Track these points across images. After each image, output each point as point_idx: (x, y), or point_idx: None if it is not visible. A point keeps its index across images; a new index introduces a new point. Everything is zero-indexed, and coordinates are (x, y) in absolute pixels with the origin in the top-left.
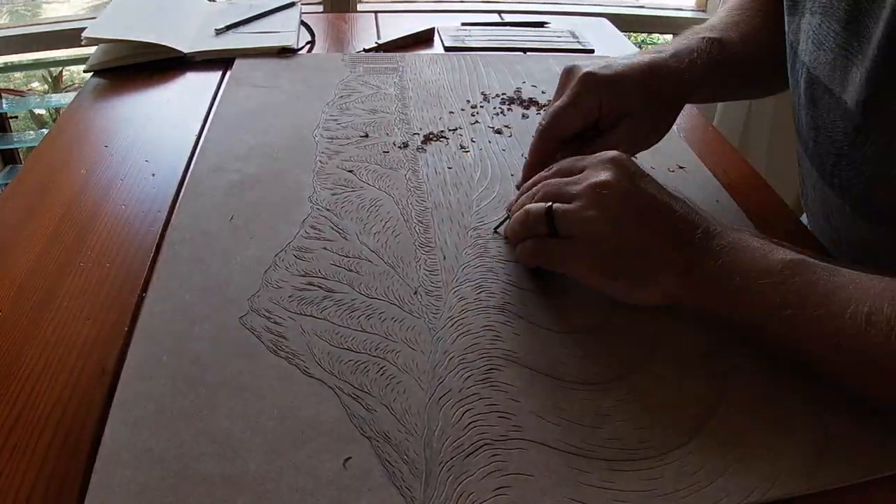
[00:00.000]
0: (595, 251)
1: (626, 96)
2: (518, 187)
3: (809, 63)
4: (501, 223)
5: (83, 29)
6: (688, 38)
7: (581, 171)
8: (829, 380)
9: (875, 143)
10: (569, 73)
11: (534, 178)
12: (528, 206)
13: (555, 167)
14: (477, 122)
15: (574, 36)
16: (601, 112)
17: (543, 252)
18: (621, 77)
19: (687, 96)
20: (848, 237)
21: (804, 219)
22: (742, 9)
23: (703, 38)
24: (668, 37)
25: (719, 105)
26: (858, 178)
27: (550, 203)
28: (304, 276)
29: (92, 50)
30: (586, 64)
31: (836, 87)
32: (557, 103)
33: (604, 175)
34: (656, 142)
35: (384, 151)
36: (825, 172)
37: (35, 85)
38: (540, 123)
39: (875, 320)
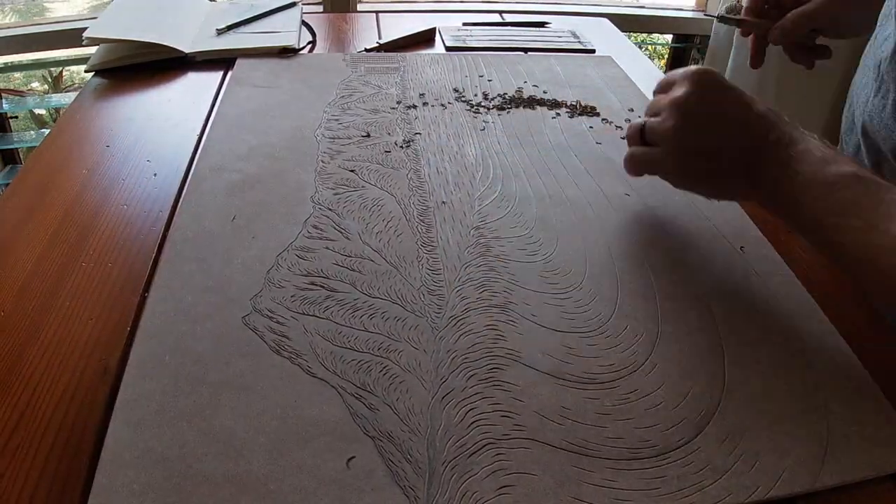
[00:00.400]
0: (676, 156)
1: None
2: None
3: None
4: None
5: (84, 29)
6: None
7: (670, 87)
8: (869, 294)
9: None
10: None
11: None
12: (632, 123)
13: (658, 85)
14: (477, 121)
15: (575, 36)
16: None
17: (640, 159)
18: None
19: None
20: None
21: None
22: None
23: None
24: (668, 37)
25: None
26: None
27: (645, 119)
28: (306, 275)
29: (93, 50)
30: None
31: None
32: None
33: (681, 90)
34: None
35: (386, 151)
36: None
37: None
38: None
39: None
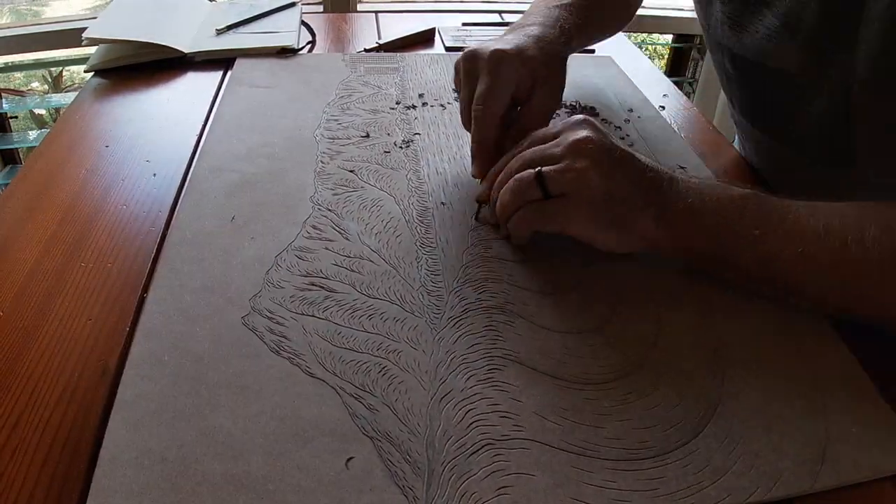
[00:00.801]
0: (589, 203)
1: (533, 65)
2: (475, 176)
3: (730, 45)
4: (477, 213)
5: (83, 29)
6: (546, 9)
7: (555, 136)
8: (798, 298)
9: (820, 98)
10: (472, 58)
11: (504, 158)
12: (518, 176)
13: (527, 140)
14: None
15: None
16: (518, 84)
17: (540, 215)
18: (522, 49)
19: (567, 54)
20: (794, 179)
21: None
22: None
23: (557, 5)
24: (669, 37)
25: (719, 105)
26: (806, 129)
27: (539, 168)
28: (305, 276)
29: (92, 50)
30: (483, 47)
31: (768, 60)
32: (482, 85)
33: (582, 132)
34: (560, 102)
35: (385, 151)
36: (769, 130)
37: (35, 85)
38: (474, 109)
39: (830, 230)
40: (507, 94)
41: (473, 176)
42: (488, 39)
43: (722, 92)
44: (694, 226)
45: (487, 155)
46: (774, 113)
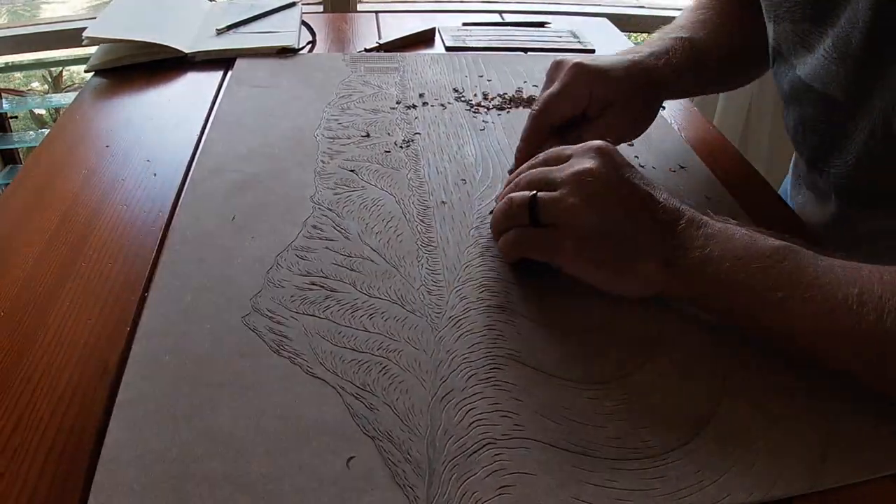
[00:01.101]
0: (577, 239)
1: (613, 87)
2: (510, 173)
3: (798, 65)
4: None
5: (83, 29)
6: (661, 39)
7: (567, 159)
8: (824, 365)
9: (862, 132)
10: (558, 65)
11: (520, 168)
12: (511, 196)
13: (541, 156)
14: (477, 121)
15: (575, 36)
16: (590, 101)
17: (526, 241)
18: (608, 69)
19: (665, 92)
20: (836, 221)
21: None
22: (705, 8)
23: (676, 37)
24: None
25: (719, 105)
26: (847, 166)
27: (535, 192)
28: (306, 275)
29: (92, 50)
30: (570, 57)
31: (817, 83)
32: (549, 90)
33: (588, 163)
34: (638, 134)
35: (386, 151)
36: (814, 161)
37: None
38: (532, 110)
39: (866, 300)
40: (569, 104)
41: (510, 173)
42: (487, 39)
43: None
44: (708, 279)
45: (525, 157)
46: (816, 142)
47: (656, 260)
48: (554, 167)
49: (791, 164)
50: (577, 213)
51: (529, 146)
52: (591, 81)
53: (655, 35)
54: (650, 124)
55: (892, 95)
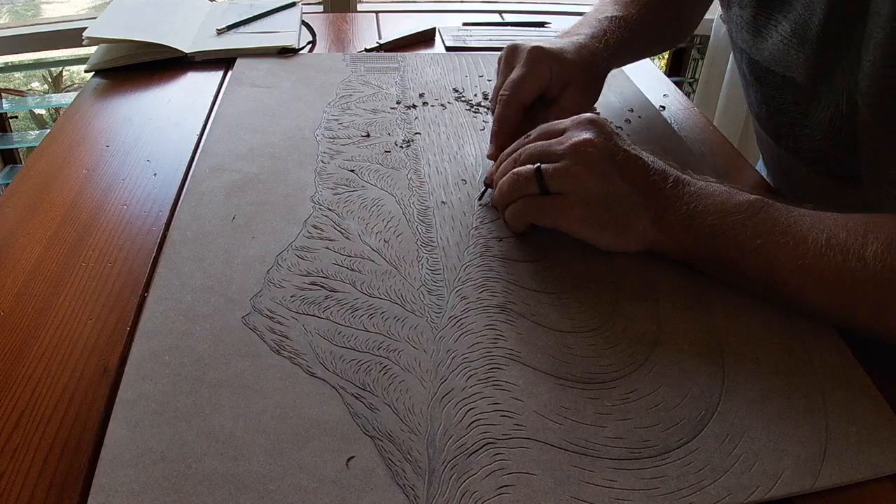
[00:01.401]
0: (584, 204)
1: (569, 68)
2: (490, 157)
3: (748, 49)
4: (482, 194)
5: (83, 29)
6: (597, 20)
7: (561, 133)
8: (800, 308)
9: (826, 111)
10: (515, 49)
11: (512, 146)
12: (517, 169)
13: (534, 133)
14: (477, 121)
15: None
16: (550, 82)
17: (536, 209)
18: (563, 52)
19: (607, 70)
20: (806, 190)
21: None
22: None
23: (609, 17)
24: None
25: (719, 105)
26: (814, 143)
27: (539, 164)
28: (306, 275)
29: (93, 50)
30: (526, 42)
31: (778, 67)
32: (515, 73)
33: (585, 134)
34: (591, 108)
35: (386, 151)
36: (779, 139)
37: (35, 85)
38: (501, 94)
39: (833, 244)
40: (536, 86)
41: (488, 157)
42: (487, 39)
43: (722, 90)
44: (694, 230)
45: (504, 139)
46: (783, 121)
47: (649, 217)
48: (551, 141)
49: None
50: (583, 180)
51: (506, 128)
52: (551, 63)
53: (591, 15)
54: (598, 98)
55: (854, 75)
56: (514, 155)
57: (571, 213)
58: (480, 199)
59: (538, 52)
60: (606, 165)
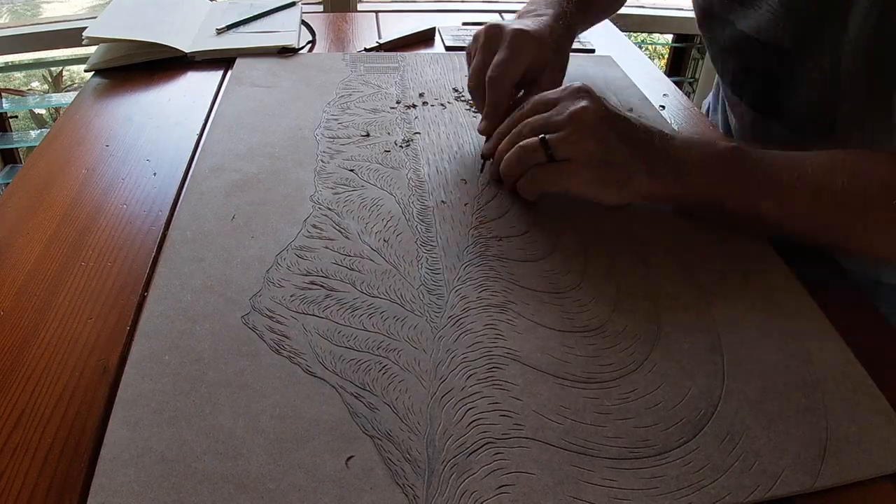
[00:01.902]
0: (589, 166)
1: (546, 49)
2: (483, 131)
3: (735, 19)
4: (483, 168)
5: (83, 28)
6: (550, 3)
7: (555, 104)
8: (779, 233)
9: (812, 73)
10: (496, 30)
11: (508, 121)
12: (522, 143)
13: (527, 106)
14: (477, 121)
15: None
16: (531, 64)
17: (547, 177)
18: (540, 34)
19: (569, 46)
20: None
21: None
22: None
23: None
24: (669, 37)
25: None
26: (798, 104)
27: (543, 135)
28: (305, 275)
29: (92, 49)
30: (507, 23)
31: (764, 36)
32: (501, 55)
33: (582, 103)
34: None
35: (385, 150)
36: (757, 103)
37: (35, 85)
38: (490, 74)
39: (805, 180)
40: (523, 67)
41: (480, 132)
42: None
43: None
44: (683, 181)
45: (497, 115)
46: (762, 86)
47: (644, 172)
48: (549, 112)
49: (715, 99)
50: (587, 145)
51: (499, 107)
52: (532, 46)
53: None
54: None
55: (839, 40)
56: (514, 129)
57: (581, 176)
58: (482, 171)
59: (521, 35)
60: (603, 129)
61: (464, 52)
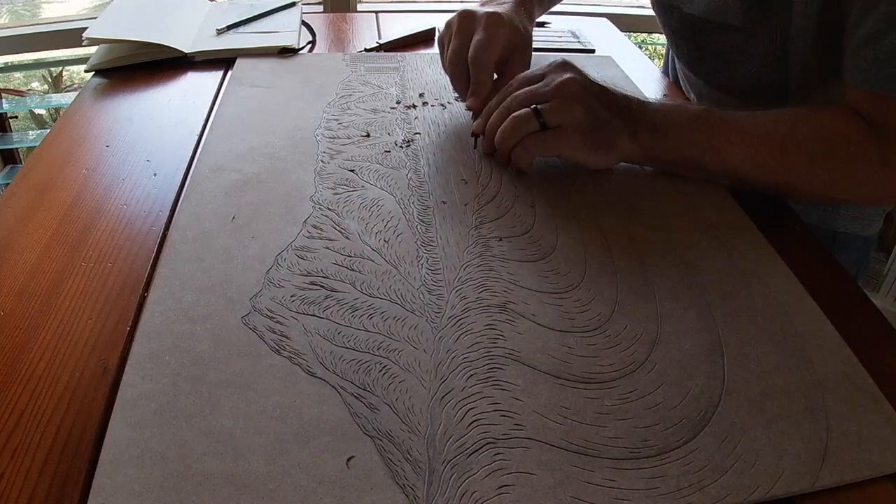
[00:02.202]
0: (580, 131)
1: (518, 32)
2: (472, 108)
3: (681, 4)
4: (475, 143)
5: (84, 29)
6: None
7: (540, 78)
8: (752, 187)
9: (762, 46)
10: (470, 15)
11: (497, 97)
12: (515, 114)
13: (514, 82)
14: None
15: (575, 35)
16: (505, 45)
17: (540, 144)
18: (512, 18)
19: (532, 28)
20: None
21: None
22: None
23: None
24: None
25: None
26: (746, 75)
27: (534, 105)
28: (306, 275)
29: (93, 50)
30: (477, 7)
31: (714, 17)
32: (480, 36)
33: (567, 75)
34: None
35: (385, 151)
36: (712, 78)
37: (35, 85)
38: (472, 56)
39: (772, 134)
40: (499, 47)
41: (469, 108)
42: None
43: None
44: (661, 140)
45: (484, 92)
46: (717, 64)
47: (627, 135)
48: (537, 85)
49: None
50: (575, 111)
51: (485, 86)
52: (505, 27)
53: None
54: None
55: (788, 12)
56: (504, 103)
57: (572, 141)
58: (475, 147)
59: (496, 18)
60: (589, 98)
61: None
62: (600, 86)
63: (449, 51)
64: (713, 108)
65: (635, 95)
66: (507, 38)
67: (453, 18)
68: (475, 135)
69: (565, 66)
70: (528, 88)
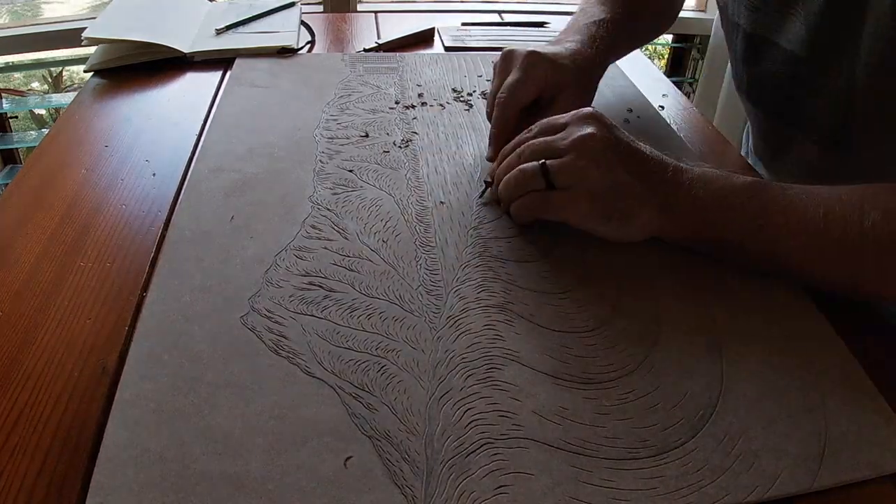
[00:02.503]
0: (590, 197)
1: (563, 73)
2: (490, 159)
3: (745, 25)
4: (483, 192)
5: (83, 29)
6: (586, 26)
7: (562, 128)
8: (808, 282)
9: (823, 80)
10: (511, 54)
11: (514, 142)
12: (522, 166)
13: (535, 128)
14: (476, 121)
15: None
16: (545, 85)
17: (543, 204)
18: (558, 57)
19: (601, 72)
20: (794, 157)
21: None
22: None
23: (597, 21)
24: (669, 37)
25: (719, 105)
26: (806, 111)
27: (543, 160)
28: (304, 275)
29: (92, 50)
30: (521, 48)
31: (779, 41)
32: (512, 77)
33: (587, 129)
34: None
35: (384, 151)
36: (780, 114)
37: (35, 85)
38: (499, 97)
39: (831, 217)
40: (533, 90)
41: (488, 159)
42: (486, 39)
43: (722, 90)
44: (698, 215)
45: (503, 140)
46: (779, 94)
47: (653, 206)
48: (554, 136)
49: (747, 137)
50: (589, 174)
51: (504, 132)
52: (546, 68)
53: (578, 19)
54: (591, 103)
55: (855, 46)
56: (516, 151)
57: (579, 207)
58: (481, 196)
59: (534, 57)
60: (609, 158)
61: (463, 52)
62: (629, 144)
63: (489, 93)
64: (765, 180)
65: (673, 159)
66: (545, 76)
67: (497, 58)
68: (486, 184)
69: (590, 118)
70: (543, 139)
